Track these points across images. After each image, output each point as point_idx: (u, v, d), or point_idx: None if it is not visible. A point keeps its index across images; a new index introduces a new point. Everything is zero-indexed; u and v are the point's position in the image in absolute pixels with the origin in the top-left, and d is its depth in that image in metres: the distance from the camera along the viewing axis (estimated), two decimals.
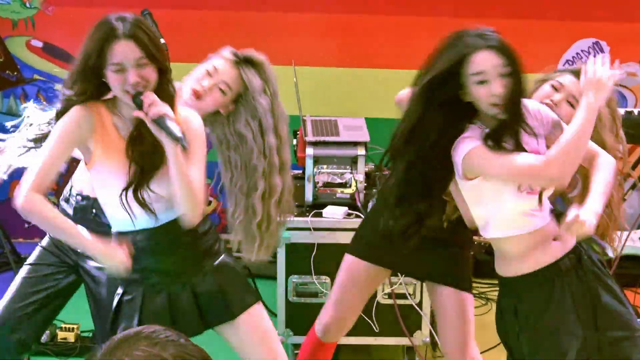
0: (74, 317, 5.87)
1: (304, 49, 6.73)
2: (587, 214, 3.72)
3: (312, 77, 5.89)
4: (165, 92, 3.82)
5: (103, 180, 3.90)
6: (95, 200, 4.29)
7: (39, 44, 7.08)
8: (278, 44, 6.87)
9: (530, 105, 3.94)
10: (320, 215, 5.58)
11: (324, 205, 5.58)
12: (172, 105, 3.83)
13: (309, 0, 6.93)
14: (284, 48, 6.77)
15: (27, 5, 6.98)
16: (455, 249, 4.65)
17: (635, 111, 6.08)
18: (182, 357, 1.96)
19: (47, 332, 5.83)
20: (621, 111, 6.02)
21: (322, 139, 5.47)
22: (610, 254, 4.15)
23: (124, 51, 3.73)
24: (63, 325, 5.88)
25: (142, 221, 3.91)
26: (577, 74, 4.28)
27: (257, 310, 4.17)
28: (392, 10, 6.87)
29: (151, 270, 4.01)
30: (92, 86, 3.83)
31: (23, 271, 4.61)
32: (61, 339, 5.83)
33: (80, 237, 3.83)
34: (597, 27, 6.92)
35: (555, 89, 4.38)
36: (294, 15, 6.89)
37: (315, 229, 5.50)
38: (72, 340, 5.82)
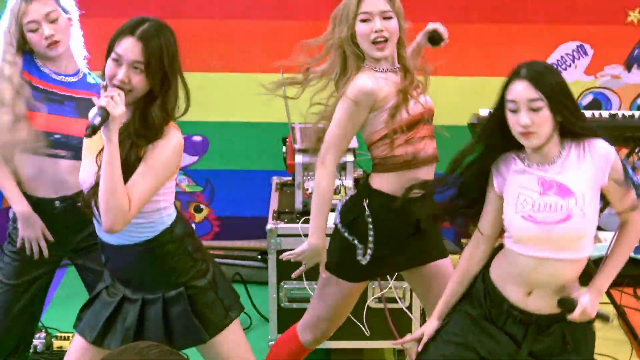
0: (70, 326, 5.89)
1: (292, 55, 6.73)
2: (592, 300, 3.86)
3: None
4: (153, 108, 3.81)
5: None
6: None
7: None
8: (266, 52, 6.87)
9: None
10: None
11: None
12: (155, 124, 3.81)
13: (296, 8, 6.93)
14: (272, 56, 6.77)
15: None
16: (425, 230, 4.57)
17: (620, 113, 6.09)
18: None
19: (43, 341, 5.86)
20: (605, 114, 6.08)
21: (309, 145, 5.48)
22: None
23: (127, 47, 3.75)
24: (58, 334, 5.93)
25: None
26: None
27: (230, 331, 4.17)
28: None
29: (119, 277, 4.08)
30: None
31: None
32: (57, 347, 5.84)
33: None
34: (581, 30, 6.93)
35: None
36: (281, 23, 6.91)
37: (306, 235, 5.44)
38: (67, 347, 5.72)
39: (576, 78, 6.96)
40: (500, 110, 3.82)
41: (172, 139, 3.86)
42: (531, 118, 3.70)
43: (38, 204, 4.53)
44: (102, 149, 3.77)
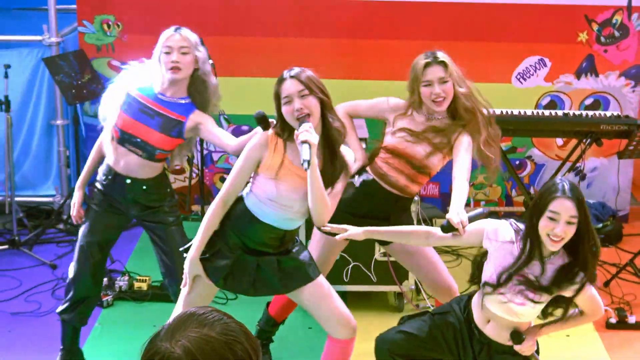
0: (147, 271, 5.97)
1: (317, 65, 6.67)
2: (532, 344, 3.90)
3: (330, 86, 5.90)
4: (328, 124, 3.91)
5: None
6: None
7: (118, 64, 6.99)
8: (297, 62, 6.88)
9: None
10: None
11: None
12: (334, 135, 3.92)
13: (320, 28, 6.94)
14: (308, 65, 6.76)
15: (108, 34, 6.99)
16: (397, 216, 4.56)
17: (571, 112, 6.12)
18: (226, 333, 1.95)
19: (127, 282, 5.90)
20: (560, 112, 6.11)
21: None
22: None
23: (289, 86, 3.90)
24: (138, 277, 5.96)
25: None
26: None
27: (323, 278, 4.24)
28: (382, 36, 6.84)
29: (255, 243, 4.11)
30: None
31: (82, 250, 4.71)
32: (137, 287, 5.89)
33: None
34: (541, 47, 6.91)
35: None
36: (310, 40, 6.93)
37: None
38: (145, 288, 5.89)
39: (537, 84, 6.94)
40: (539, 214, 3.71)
41: (349, 155, 4.06)
42: (565, 230, 3.65)
43: (115, 177, 4.61)
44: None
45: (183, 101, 4.55)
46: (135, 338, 4.67)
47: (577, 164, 6.25)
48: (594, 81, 7.01)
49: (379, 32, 6.90)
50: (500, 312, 3.87)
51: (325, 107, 3.92)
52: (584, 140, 6.04)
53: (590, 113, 6.15)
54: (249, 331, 2.01)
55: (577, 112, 6.24)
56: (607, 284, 6.11)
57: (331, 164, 3.94)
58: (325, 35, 6.92)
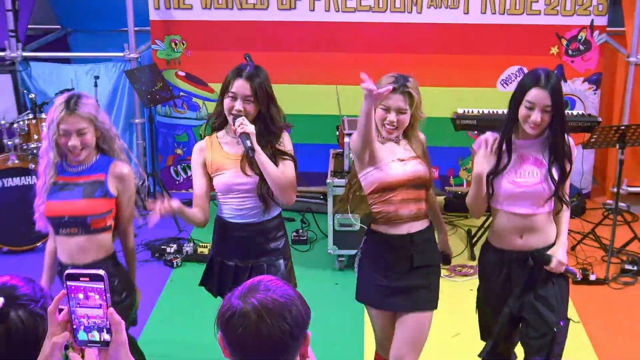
0: (207, 239, 5.88)
1: (345, 74, 6.71)
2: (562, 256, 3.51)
3: (349, 92, 5.97)
4: (265, 127, 3.54)
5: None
6: None
7: (183, 74, 7.06)
8: (327, 72, 6.90)
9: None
10: None
11: None
12: (274, 136, 3.57)
13: (349, 43, 6.93)
14: (332, 75, 6.80)
15: (175, 50, 6.99)
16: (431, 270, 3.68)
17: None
18: (285, 297, 1.98)
19: (192, 247, 5.88)
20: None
21: (353, 131, 5.52)
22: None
23: (240, 86, 3.51)
24: (201, 244, 5.99)
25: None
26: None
27: None
28: (394, 51, 6.88)
29: (234, 253, 3.71)
30: (220, 110, 3.61)
31: None
32: (200, 252, 5.92)
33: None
34: (521, 58, 6.89)
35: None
36: (339, 54, 6.91)
37: None
38: (207, 252, 5.80)
39: None
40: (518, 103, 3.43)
41: (287, 137, 3.65)
42: (541, 117, 3.38)
43: (61, 268, 3.63)
44: (242, 159, 3.54)
45: (94, 158, 3.59)
46: (198, 291, 4.84)
47: None
48: (563, 85, 6.82)
49: (393, 48, 6.88)
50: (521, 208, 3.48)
51: (266, 111, 3.53)
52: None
53: None
54: (304, 299, 2.03)
55: None
56: (573, 248, 6.13)
57: (269, 149, 3.54)
58: (347, 51, 6.92)
